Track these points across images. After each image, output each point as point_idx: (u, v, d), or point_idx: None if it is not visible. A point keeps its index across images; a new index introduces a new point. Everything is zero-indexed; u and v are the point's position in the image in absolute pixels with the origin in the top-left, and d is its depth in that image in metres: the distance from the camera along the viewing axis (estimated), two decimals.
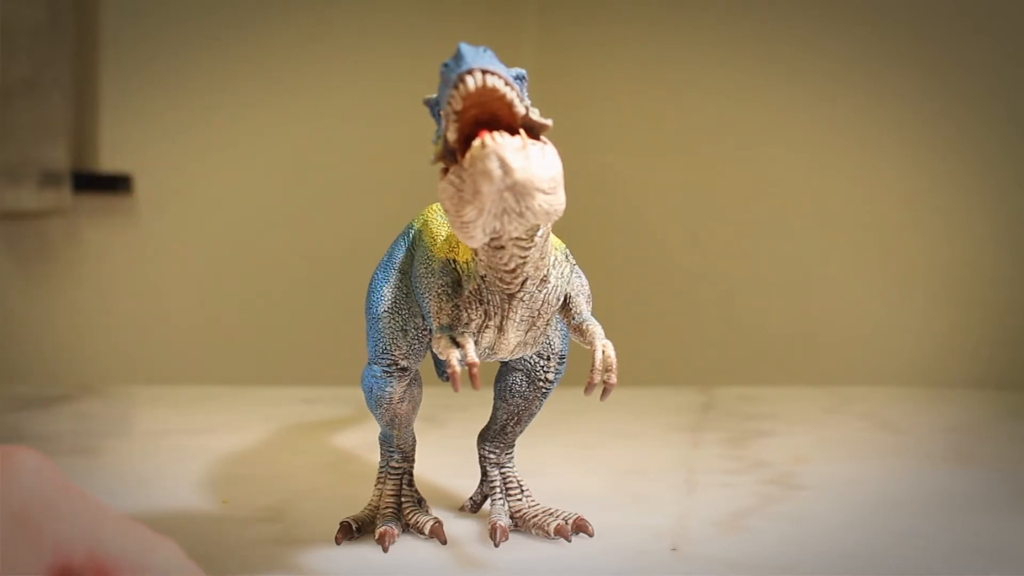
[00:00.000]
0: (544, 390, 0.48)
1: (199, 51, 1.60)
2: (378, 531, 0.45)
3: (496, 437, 0.49)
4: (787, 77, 1.72)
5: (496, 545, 0.45)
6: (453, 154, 0.36)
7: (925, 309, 1.62)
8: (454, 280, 0.41)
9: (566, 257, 0.42)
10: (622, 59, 1.95)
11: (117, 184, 1.53)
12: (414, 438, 0.48)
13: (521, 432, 0.49)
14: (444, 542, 0.45)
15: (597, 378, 0.40)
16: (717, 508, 0.52)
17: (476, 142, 0.34)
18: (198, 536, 0.47)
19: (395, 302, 0.45)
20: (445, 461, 0.55)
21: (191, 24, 1.59)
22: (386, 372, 0.45)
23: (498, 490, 0.48)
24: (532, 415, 0.48)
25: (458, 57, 0.35)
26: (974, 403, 0.90)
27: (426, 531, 0.45)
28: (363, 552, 0.44)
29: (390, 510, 0.46)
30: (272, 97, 1.71)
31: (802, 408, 0.85)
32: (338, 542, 0.45)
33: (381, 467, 0.48)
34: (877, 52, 1.62)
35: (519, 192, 0.35)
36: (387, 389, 0.45)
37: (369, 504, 0.47)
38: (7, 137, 1.35)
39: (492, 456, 0.49)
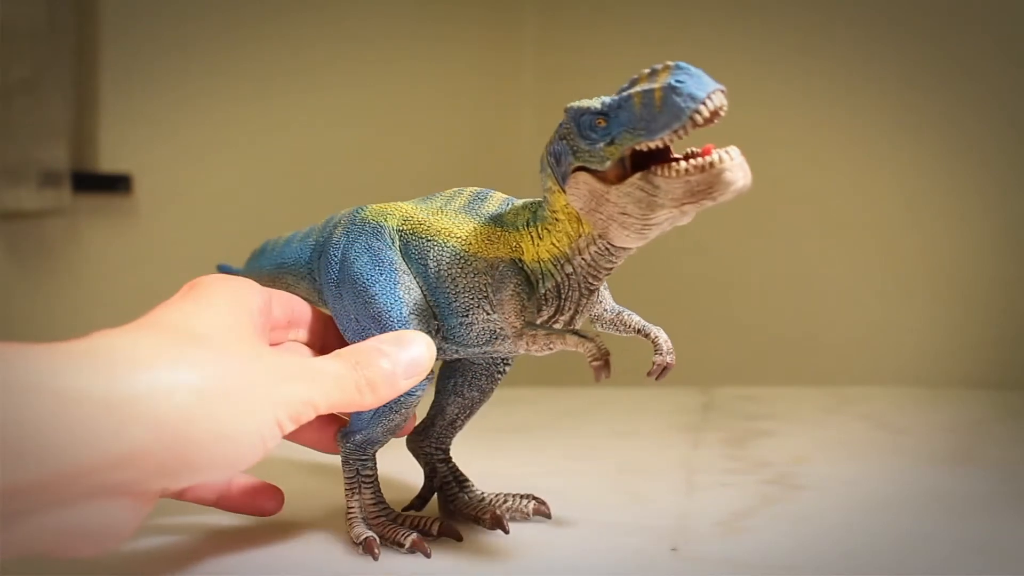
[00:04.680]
0: (499, 380, 0.50)
1: (199, 52, 1.60)
2: (360, 538, 0.44)
3: (444, 432, 0.50)
4: (787, 77, 1.72)
5: (507, 532, 0.46)
6: (622, 162, 0.39)
7: (925, 309, 1.62)
8: (524, 279, 0.43)
9: None
10: (622, 59, 1.95)
11: (116, 184, 1.53)
12: None
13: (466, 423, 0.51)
14: (428, 555, 0.44)
15: (670, 359, 0.43)
16: (717, 508, 0.52)
17: (724, 152, 0.37)
18: (196, 536, 0.46)
19: (415, 304, 0.45)
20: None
21: (191, 24, 1.59)
22: None
23: (453, 484, 0.49)
24: (483, 404, 0.50)
25: (692, 74, 0.37)
26: (974, 403, 0.90)
27: (407, 544, 0.44)
28: (361, 554, 0.44)
29: (383, 517, 0.46)
30: (271, 97, 1.71)
31: (802, 408, 0.85)
32: (376, 558, 0.43)
33: (350, 478, 0.46)
34: (877, 53, 1.62)
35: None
36: (417, 394, 0.44)
37: (350, 517, 0.45)
38: (7, 137, 1.35)
39: (440, 452, 0.50)
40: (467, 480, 0.50)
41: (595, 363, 0.40)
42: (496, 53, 2.05)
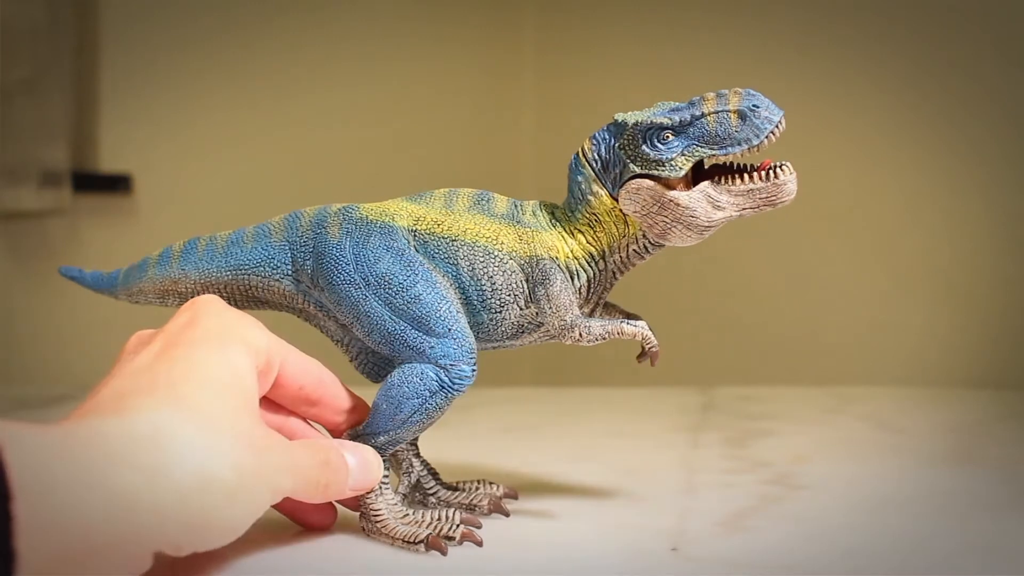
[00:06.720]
0: None
1: (199, 51, 1.60)
2: (419, 537, 0.44)
3: None
4: (787, 77, 1.72)
5: (507, 515, 0.48)
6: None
7: (925, 309, 1.62)
8: (565, 275, 0.46)
9: None
10: (622, 59, 1.95)
11: (117, 184, 1.53)
12: None
13: None
14: (480, 544, 0.44)
15: (656, 346, 0.47)
16: (717, 508, 0.52)
17: (784, 165, 0.45)
18: None
19: (456, 301, 0.46)
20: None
21: (191, 24, 1.59)
22: (474, 371, 0.45)
23: (430, 477, 0.50)
24: None
25: (763, 100, 0.44)
26: (974, 403, 0.90)
27: (457, 536, 0.45)
28: (363, 551, 0.44)
29: (409, 515, 0.45)
30: (271, 97, 1.71)
31: (802, 408, 0.85)
32: (445, 553, 0.43)
33: None
34: (877, 53, 1.62)
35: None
36: (463, 391, 0.45)
37: (379, 520, 0.45)
38: (7, 137, 1.35)
39: (413, 448, 0.50)
40: (437, 472, 0.51)
41: (653, 349, 0.46)
42: (496, 53, 2.05)
